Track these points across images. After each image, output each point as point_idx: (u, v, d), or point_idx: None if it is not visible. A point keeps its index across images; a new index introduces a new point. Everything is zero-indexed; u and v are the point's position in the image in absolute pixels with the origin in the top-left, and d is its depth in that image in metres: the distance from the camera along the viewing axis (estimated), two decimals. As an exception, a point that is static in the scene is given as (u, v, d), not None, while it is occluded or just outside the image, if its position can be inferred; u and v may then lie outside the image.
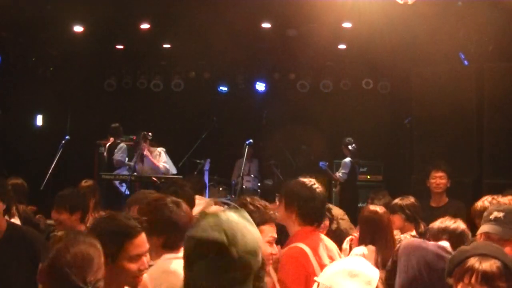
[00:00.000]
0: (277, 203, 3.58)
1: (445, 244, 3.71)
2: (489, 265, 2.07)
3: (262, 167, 11.80)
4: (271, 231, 3.02)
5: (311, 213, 3.40)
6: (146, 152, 8.89)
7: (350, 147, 10.57)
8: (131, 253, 2.52)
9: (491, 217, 3.20)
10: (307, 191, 3.40)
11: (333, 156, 11.66)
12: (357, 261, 2.10)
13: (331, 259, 3.37)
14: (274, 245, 3.06)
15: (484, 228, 3.21)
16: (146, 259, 2.60)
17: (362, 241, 4.56)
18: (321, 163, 10.77)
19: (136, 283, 2.57)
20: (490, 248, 2.14)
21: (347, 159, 10.58)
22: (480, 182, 7.63)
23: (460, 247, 2.20)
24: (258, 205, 2.98)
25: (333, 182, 11.01)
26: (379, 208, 4.64)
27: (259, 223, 2.63)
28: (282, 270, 3.23)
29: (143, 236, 2.59)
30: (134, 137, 10.49)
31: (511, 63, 7.89)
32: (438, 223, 3.70)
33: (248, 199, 3.07)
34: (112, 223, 2.58)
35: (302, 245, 3.28)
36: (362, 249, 4.47)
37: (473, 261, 2.08)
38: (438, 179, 5.96)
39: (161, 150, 9.16)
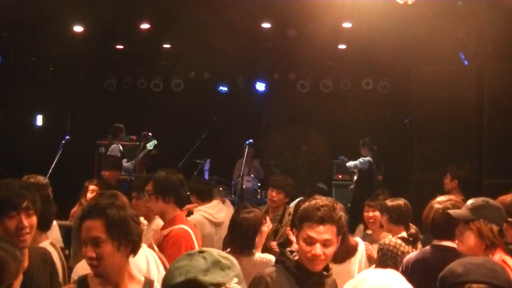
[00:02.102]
0: (147, 197, 4.12)
1: (448, 243, 3.69)
2: None
3: (262, 167, 11.79)
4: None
5: (184, 198, 4.08)
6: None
7: (374, 147, 10.65)
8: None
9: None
10: (177, 179, 4.02)
11: (333, 156, 11.67)
12: (397, 279, 1.96)
13: (198, 238, 4.03)
14: None
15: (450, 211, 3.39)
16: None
17: None
18: (339, 158, 11.02)
19: None
20: (483, 271, 2.09)
21: (367, 158, 10.59)
22: (480, 182, 7.60)
23: (451, 267, 2.15)
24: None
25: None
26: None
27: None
28: (173, 247, 3.78)
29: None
30: (134, 137, 10.51)
31: (511, 63, 7.88)
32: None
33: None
34: None
35: (184, 226, 3.93)
36: None
37: None
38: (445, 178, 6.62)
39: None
